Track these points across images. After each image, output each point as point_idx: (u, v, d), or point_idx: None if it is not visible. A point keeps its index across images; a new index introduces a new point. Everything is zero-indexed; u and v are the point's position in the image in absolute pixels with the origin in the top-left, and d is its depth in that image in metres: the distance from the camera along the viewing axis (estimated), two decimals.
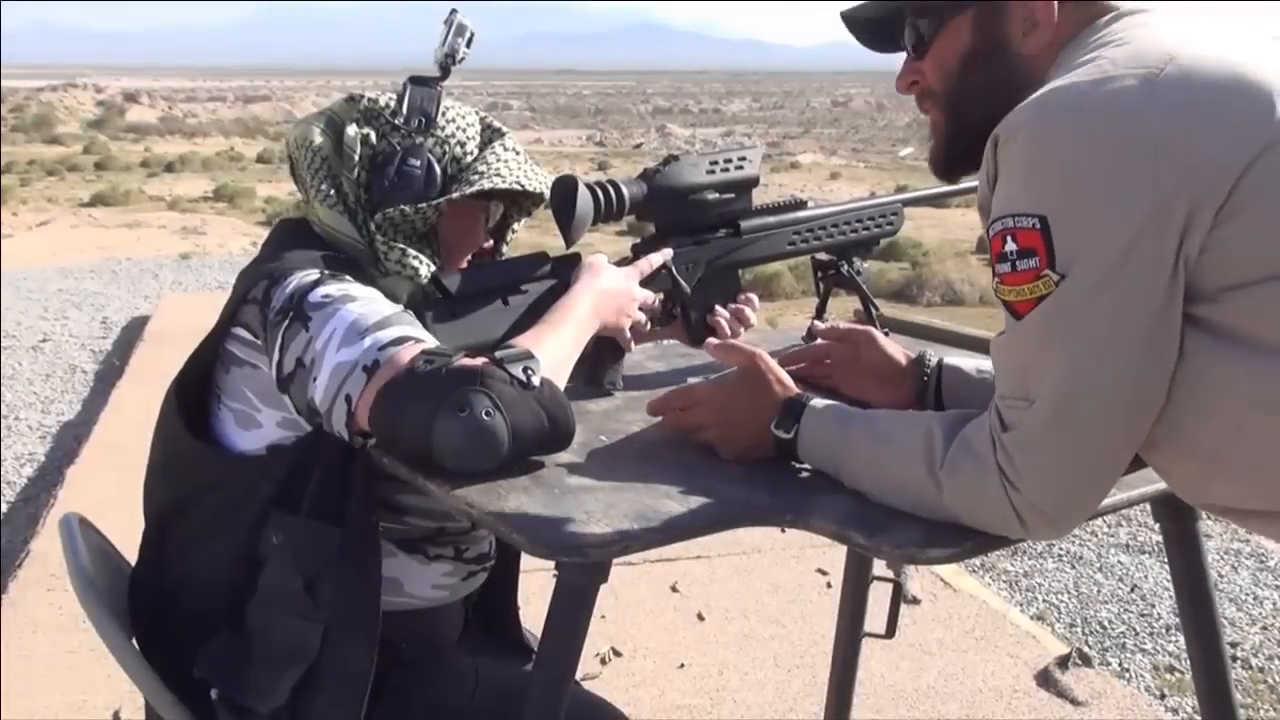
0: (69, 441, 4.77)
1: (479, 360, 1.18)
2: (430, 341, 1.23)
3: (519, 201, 1.52)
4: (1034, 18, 1.14)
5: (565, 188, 1.38)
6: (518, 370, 1.17)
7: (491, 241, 1.52)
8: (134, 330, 6.85)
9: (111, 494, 3.64)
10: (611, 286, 1.43)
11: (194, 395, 1.38)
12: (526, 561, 1.47)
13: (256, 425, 1.33)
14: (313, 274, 1.29)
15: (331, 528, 1.26)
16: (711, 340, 1.38)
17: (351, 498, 1.27)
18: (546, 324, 1.33)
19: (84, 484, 4.01)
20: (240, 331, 1.32)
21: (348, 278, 1.30)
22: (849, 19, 1.28)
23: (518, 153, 1.45)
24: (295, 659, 1.26)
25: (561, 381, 1.26)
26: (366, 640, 1.26)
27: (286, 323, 1.25)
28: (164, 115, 38.03)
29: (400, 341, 1.21)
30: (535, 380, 1.17)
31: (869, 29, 1.27)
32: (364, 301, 1.26)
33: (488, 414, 1.12)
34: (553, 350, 1.27)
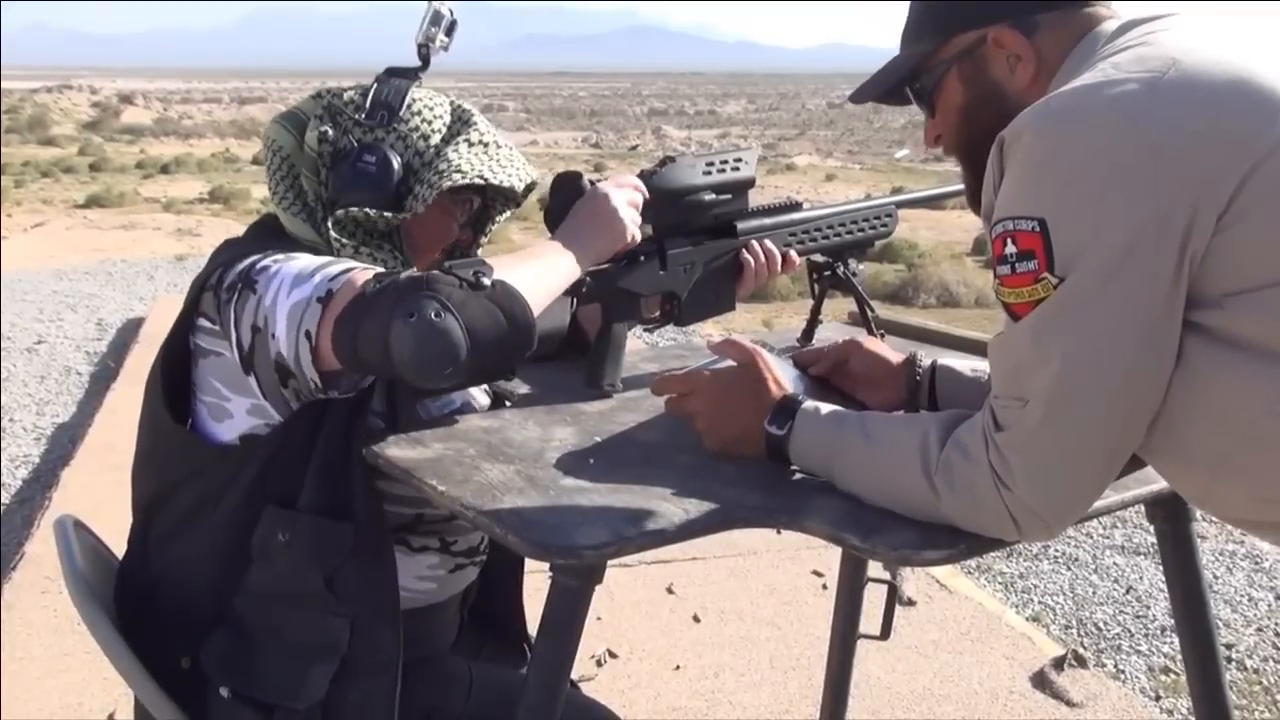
0: (64, 443, 4.76)
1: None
2: (380, 268, 1.24)
3: (497, 194, 1.49)
4: (1014, 53, 1.16)
5: (569, 185, 1.38)
6: (466, 274, 1.16)
7: (470, 234, 1.50)
8: (129, 332, 6.84)
9: (106, 496, 3.63)
10: (593, 204, 1.38)
11: (176, 389, 1.37)
12: (524, 562, 1.47)
13: (228, 416, 1.33)
14: (263, 251, 1.31)
15: (343, 524, 1.27)
16: (713, 337, 1.38)
17: (355, 491, 1.28)
18: (519, 254, 1.30)
19: (78, 486, 4.00)
20: (202, 321, 1.33)
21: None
22: (858, 99, 1.32)
23: (485, 145, 1.41)
24: (325, 654, 1.28)
25: (534, 300, 1.22)
26: (393, 627, 1.29)
27: (236, 296, 1.26)
28: (159, 117, 37.96)
29: (349, 270, 1.21)
30: (485, 281, 1.16)
31: (883, 99, 1.30)
32: (308, 258, 1.27)
33: (437, 315, 1.11)
34: (520, 269, 1.24)
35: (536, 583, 1.31)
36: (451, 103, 1.45)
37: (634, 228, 1.40)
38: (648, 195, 1.43)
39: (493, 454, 1.27)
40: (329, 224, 1.35)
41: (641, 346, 1.64)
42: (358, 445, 1.27)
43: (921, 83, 1.24)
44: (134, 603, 1.38)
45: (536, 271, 1.27)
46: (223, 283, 1.29)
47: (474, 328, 1.13)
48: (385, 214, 1.34)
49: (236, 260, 1.30)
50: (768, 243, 1.59)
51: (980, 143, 1.16)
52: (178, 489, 1.35)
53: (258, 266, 1.27)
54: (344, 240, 1.35)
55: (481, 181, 1.37)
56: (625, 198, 1.39)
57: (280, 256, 1.28)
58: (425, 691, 1.42)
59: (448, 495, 1.16)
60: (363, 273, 1.21)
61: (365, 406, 1.30)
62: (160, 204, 14.54)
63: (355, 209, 1.34)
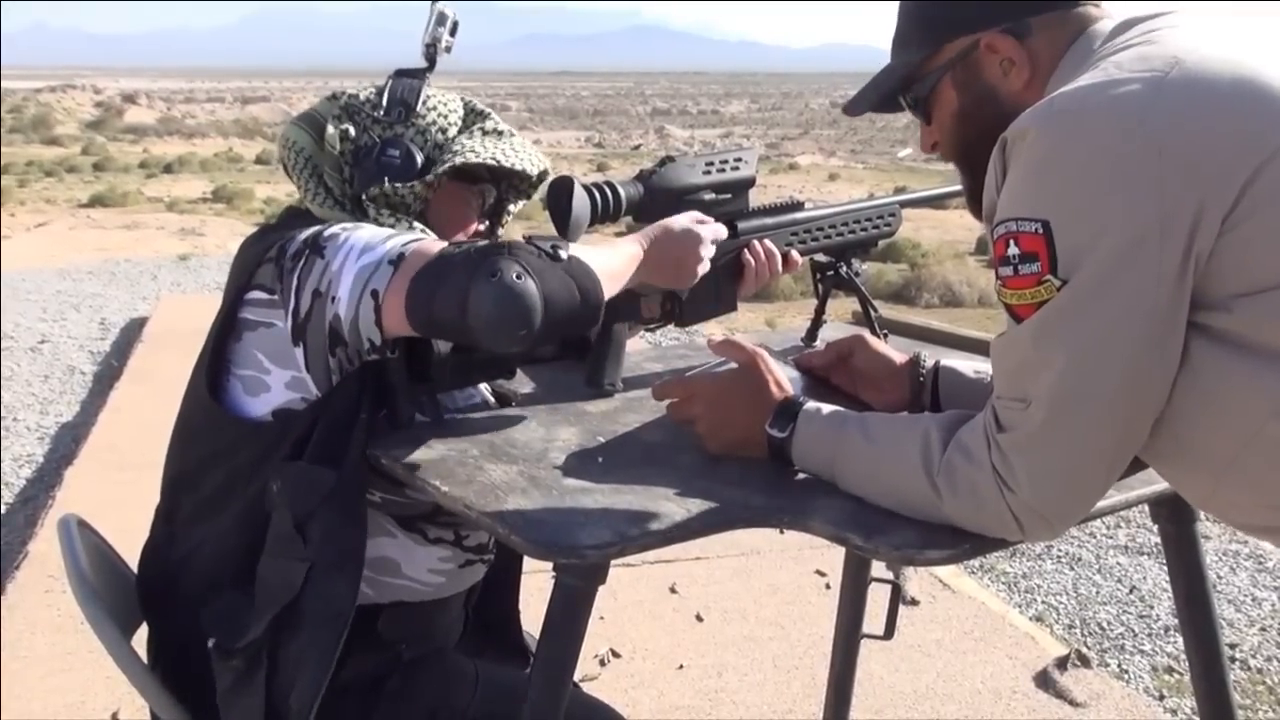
0: (67, 443, 4.76)
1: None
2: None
3: (511, 183, 1.52)
4: (1007, 57, 1.15)
5: (562, 188, 1.38)
6: (545, 245, 1.19)
7: (487, 224, 1.53)
8: (132, 331, 6.84)
9: (110, 495, 3.65)
10: (677, 228, 1.42)
11: (214, 367, 1.37)
12: (526, 563, 1.47)
13: (265, 389, 1.32)
14: (325, 224, 1.33)
15: (328, 470, 1.27)
16: (715, 336, 1.38)
17: (351, 445, 1.28)
18: (591, 243, 1.33)
19: (82, 485, 4.01)
20: (255, 294, 1.33)
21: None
22: (852, 111, 1.31)
23: (500, 133, 1.46)
24: (276, 597, 1.27)
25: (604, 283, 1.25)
26: (350, 580, 1.27)
27: (302, 262, 1.28)
28: (162, 116, 37.96)
29: (420, 239, 1.24)
30: (563, 254, 1.20)
31: (877, 109, 1.29)
32: (375, 228, 1.30)
33: (518, 276, 1.14)
34: (589, 255, 1.27)
35: (539, 583, 1.31)
36: (463, 99, 1.49)
37: (704, 269, 1.45)
38: (724, 237, 1.49)
39: (496, 454, 1.27)
40: (367, 205, 1.38)
41: (645, 346, 1.64)
42: (368, 409, 1.28)
43: (915, 91, 1.23)
44: (159, 585, 1.38)
45: (606, 254, 1.30)
46: (285, 252, 1.30)
47: (550, 296, 1.16)
48: (402, 185, 1.38)
49: (298, 233, 1.32)
50: (768, 243, 1.59)
51: (977, 145, 1.16)
52: (207, 466, 1.35)
53: (325, 234, 1.29)
54: (383, 215, 1.37)
55: (494, 163, 1.41)
56: (711, 239, 1.45)
57: (349, 225, 1.31)
58: (431, 688, 1.42)
59: (451, 495, 1.16)
60: (435, 243, 1.23)
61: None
62: (164, 203, 14.56)
63: (379, 189, 1.37)
